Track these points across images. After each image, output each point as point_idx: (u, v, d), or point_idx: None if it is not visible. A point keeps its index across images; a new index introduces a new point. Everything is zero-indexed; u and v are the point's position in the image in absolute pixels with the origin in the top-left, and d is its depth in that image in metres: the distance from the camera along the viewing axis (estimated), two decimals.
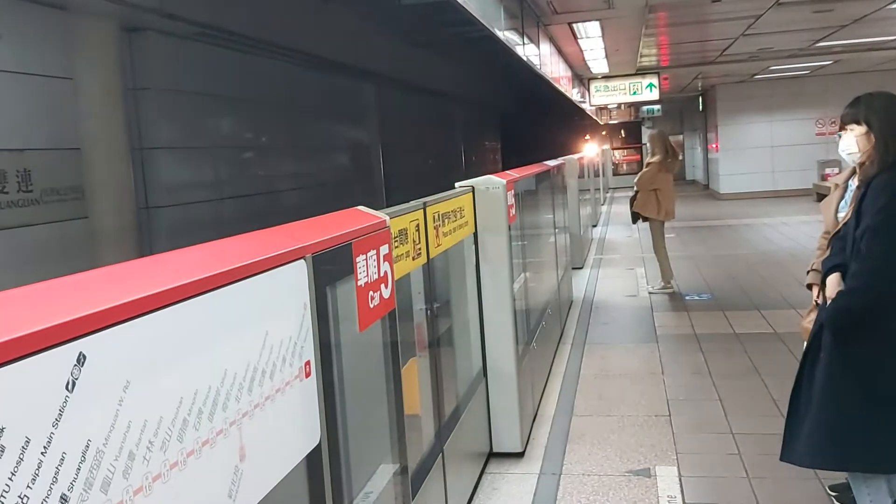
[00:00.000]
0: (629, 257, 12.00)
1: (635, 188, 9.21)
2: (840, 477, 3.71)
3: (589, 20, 10.53)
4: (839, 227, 3.28)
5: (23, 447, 0.92)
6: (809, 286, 3.57)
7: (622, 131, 33.21)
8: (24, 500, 0.92)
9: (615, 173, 30.63)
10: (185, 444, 1.26)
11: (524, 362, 4.82)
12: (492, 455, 4.56)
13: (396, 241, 2.80)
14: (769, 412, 4.86)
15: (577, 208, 11.12)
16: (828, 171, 19.72)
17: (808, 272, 3.63)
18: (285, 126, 8.91)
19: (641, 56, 14.75)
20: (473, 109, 19.87)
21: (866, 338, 3.02)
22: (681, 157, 9.86)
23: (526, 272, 5.46)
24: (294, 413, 1.69)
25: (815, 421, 3.09)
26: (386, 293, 2.40)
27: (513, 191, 4.66)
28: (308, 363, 1.76)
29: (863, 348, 3.04)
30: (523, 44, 8.89)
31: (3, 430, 0.89)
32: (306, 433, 1.76)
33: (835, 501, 3.75)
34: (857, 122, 3.20)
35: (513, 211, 4.62)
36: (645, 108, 26.49)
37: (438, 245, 3.53)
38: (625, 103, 22.42)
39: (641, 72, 16.92)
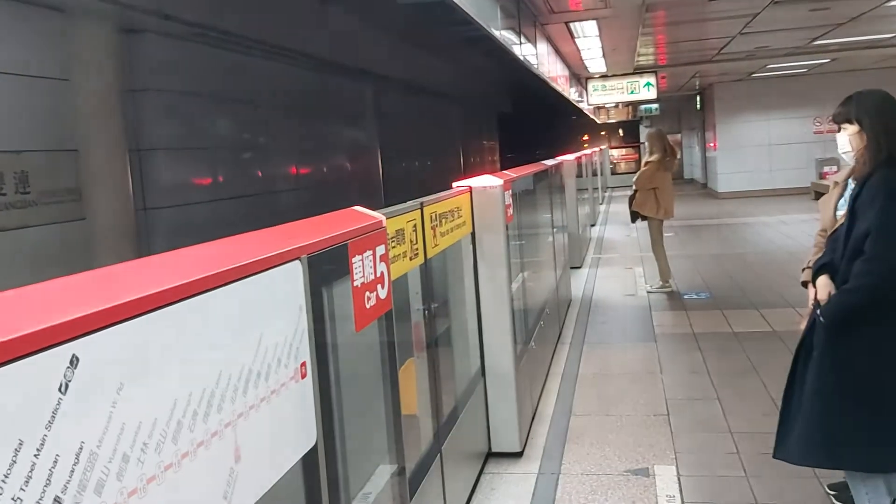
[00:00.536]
0: (627, 256, 12.00)
1: (634, 187, 9.22)
2: (839, 476, 3.71)
3: (586, 19, 10.53)
4: (837, 226, 3.29)
5: (16, 449, 0.92)
6: (804, 284, 3.58)
7: (620, 130, 33.22)
8: (18, 503, 0.92)
9: (613, 172, 30.63)
10: (179, 445, 1.26)
11: (522, 362, 4.81)
12: (490, 455, 4.56)
13: (393, 241, 2.80)
14: (768, 411, 4.86)
15: (575, 207, 11.12)
16: (825, 169, 19.75)
17: (803, 270, 3.64)
18: (284, 126, 8.91)
19: (639, 55, 14.76)
20: (471, 109, 19.86)
21: (856, 335, 3.05)
22: (679, 156, 9.86)
23: (524, 272, 5.46)
24: (290, 414, 1.68)
25: (806, 419, 3.12)
26: (382, 294, 2.40)
27: (510, 190, 4.66)
28: (304, 364, 1.76)
29: (853, 346, 3.06)
30: (520, 43, 8.89)
31: None
32: (302, 434, 1.75)
33: (834, 500, 3.75)
34: (850, 121, 3.21)
35: (510, 210, 4.62)
36: (643, 107, 26.50)
37: (436, 245, 3.53)
38: (622, 102, 22.42)
39: (639, 71, 16.93)
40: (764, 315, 7.52)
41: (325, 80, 9.92)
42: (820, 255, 3.38)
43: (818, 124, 20.78)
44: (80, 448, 1.03)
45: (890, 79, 16.85)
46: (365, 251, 2.24)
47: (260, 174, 8.32)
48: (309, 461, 1.78)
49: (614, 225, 16.54)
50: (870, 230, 2.95)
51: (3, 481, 0.90)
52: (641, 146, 29.16)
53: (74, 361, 1.02)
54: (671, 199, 9.10)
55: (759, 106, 21.41)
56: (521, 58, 9.07)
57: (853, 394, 3.05)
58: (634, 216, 9.28)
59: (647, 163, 9.25)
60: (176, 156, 6.83)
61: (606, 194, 25.00)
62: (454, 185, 4.42)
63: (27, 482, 0.93)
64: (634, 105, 26.31)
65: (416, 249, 3.19)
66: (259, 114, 8.34)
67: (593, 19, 10.49)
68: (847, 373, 3.07)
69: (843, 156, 3.37)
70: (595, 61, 15.07)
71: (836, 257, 3.17)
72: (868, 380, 3.05)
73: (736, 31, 12.34)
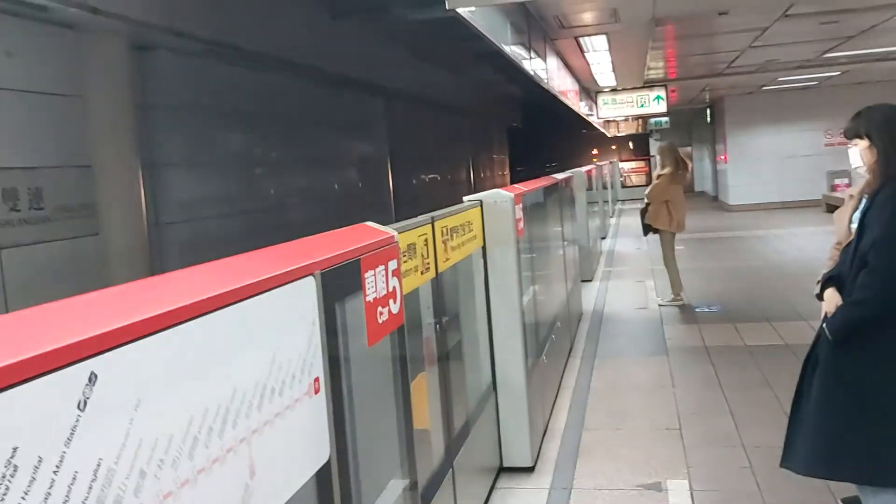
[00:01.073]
0: (638, 270, 11.97)
1: (646, 200, 9.21)
2: (852, 489, 3.67)
3: (596, 34, 10.55)
4: (851, 238, 3.29)
5: (35, 466, 0.93)
6: (819, 296, 3.57)
7: (630, 143, 33.20)
8: None
9: (623, 185, 30.60)
10: (195, 461, 1.27)
11: (534, 376, 4.81)
12: (502, 470, 4.54)
13: (405, 255, 2.81)
14: (781, 425, 4.79)
15: (585, 221, 11.11)
16: (837, 181, 19.67)
17: (817, 283, 3.63)
18: (294, 141, 8.95)
19: (649, 69, 14.76)
20: (481, 124, 19.91)
21: (861, 347, 3.04)
22: (690, 169, 9.84)
23: (535, 285, 5.46)
24: (303, 430, 1.69)
25: (812, 430, 3.13)
26: (395, 308, 2.41)
27: (521, 204, 4.66)
28: (317, 380, 1.76)
29: (859, 359, 3.05)
30: (530, 58, 8.92)
31: (15, 449, 0.90)
32: (316, 450, 1.76)
33: None
34: (860, 136, 3.22)
35: (521, 224, 4.63)
36: (653, 120, 26.49)
37: (447, 259, 3.53)
38: (632, 116, 22.42)
39: (649, 84, 16.93)
40: (776, 328, 7.48)
41: (335, 94, 9.97)
42: (833, 267, 3.38)
43: (829, 137, 20.70)
44: (98, 465, 1.04)
45: None
46: (377, 266, 2.25)
47: (271, 189, 8.36)
48: (322, 476, 1.78)
49: (625, 238, 16.51)
50: (875, 242, 2.95)
51: (22, 498, 0.91)
52: (652, 159, 29.13)
53: (93, 379, 1.04)
54: (683, 212, 9.09)
55: (769, 119, 21.36)
56: (531, 72, 9.09)
57: (858, 407, 3.04)
58: (647, 229, 9.27)
59: (659, 176, 9.25)
60: (188, 171, 6.87)
61: (617, 207, 24.97)
62: (465, 199, 4.43)
63: (46, 499, 0.94)
64: (644, 118, 26.30)
65: (428, 264, 3.20)
66: (271, 128, 8.39)
67: (603, 34, 10.51)
68: (852, 385, 3.06)
69: (857, 171, 3.37)
70: (605, 75, 15.09)
71: (844, 270, 3.17)
72: (873, 392, 3.04)
73: (746, 44, 12.34)
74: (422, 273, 3.11)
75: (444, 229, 3.50)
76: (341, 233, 2.32)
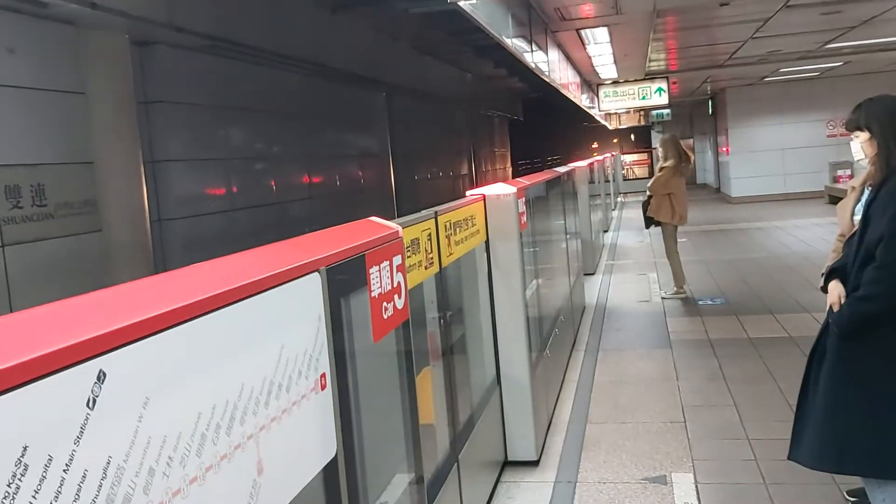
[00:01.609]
0: (641, 262, 11.96)
1: (648, 193, 9.20)
2: (858, 482, 3.67)
3: (597, 26, 10.53)
4: (854, 230, 3.29)
5: (45, 465, 0.93)
6: (823, 289, 3.57)
7: (632, 136, 33.16)
8: None
9: (625, 178, 30.57)
10: (203, 458, 1.27)
11: (538, 370, 4.81)
12: (507, 464, 4.55)
13: (409, 250, 2.80)
14: (785, 417, 4.82)
15: (588, 214, 11.10)
16: (839, 172, 19.64)
17: (822, 275, 3.63)
18: (297, 136, 8.94)
19: (650, 61, 14.73)
20: (483, 117, 19.89)
21: (869, 342, 3.04)
22: (693, 161, 9.81)
23: (538, 279, 5.46)
24: (310, 426, 1.69)
25: (819, 423, 3.13)
26: (399, 303, 2.41)
27: (524, 198, 4.66)
28: (323, 375, 1.76)
29: (865, 353, 3.05)
30: (531, 51, 8.90)
31: (25, 448, 0.90)
32: (323, 446, 1.76)
33: None
34: (860, 129, 3.21)
35: (524, 218, 4.62)
36: (654, 112, 26.44)
37: (450, 254, 3.53)
38: (634, 108, 22.38)
39: (650, 76, 16.90)
40: (779, 320, 7.48)
41: (337, 89, 9.95)
42: (837, 259, 3.38)
43: (831, 128, 20.67)
44: (108, 463, 1.04)
45: None
46: (382, 262, 2.25)
47: (273, 184, 8.35)
48: (329, 472, 1.79)
49: (627, 231, 16.50)
50: (882, 237, 2.94)
51: (33, 497, 0.91)
52: (653, 152, 29.09)
53: (102, 377, 1.04)
54: (686, 204, 9.08)
55: (771, 110, 21.32)
56: (533, 65, 9.07)
57: (866, 400, 3.04)
58: (649, 222, 9.26)
59: (661, 168, 9.23)
60: (189, 167, 6.87)
61: (619, 200, 24.95)
62: (468, 193, 4.43)
63: (56, 497, 0.94)
64: (646, 111, 26.26)
65: (432, 258, 3.20)
66: (272, 124, 8.38)
67: (604, 26, 10.49)
68: (859, 379, 3.07)
69: (859, 163, 3.37)
70: (606, 67, 15.06)
71: (848, 262, 3.17)
72: (881, 385, 3.04)
73: (748, 35, 12.31)
74: (426, 268, 3.11)
75: (448, 224, 3.50)
76: (345, 228, 2.32)
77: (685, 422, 5.03)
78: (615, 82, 17.26)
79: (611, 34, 11.18)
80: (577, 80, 15.70)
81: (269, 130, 8.34)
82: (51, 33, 5.38)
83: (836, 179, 19.53)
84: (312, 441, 1.71)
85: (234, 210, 7.43)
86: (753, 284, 9.46)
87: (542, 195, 6.06)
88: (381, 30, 10.46)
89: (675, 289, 9.04)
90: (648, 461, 4.46)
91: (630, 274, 11.05)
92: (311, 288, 1.75)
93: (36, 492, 0.91)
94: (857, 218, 3.39)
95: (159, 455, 1.15)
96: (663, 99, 17.19)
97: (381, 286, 2.23)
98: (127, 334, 1.10)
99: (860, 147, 3.25)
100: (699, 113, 28.33)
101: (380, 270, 2.23)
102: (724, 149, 23.05)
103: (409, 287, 2.57)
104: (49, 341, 0.98)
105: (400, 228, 2.52)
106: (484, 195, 4.38)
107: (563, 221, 7.51)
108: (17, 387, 0.90)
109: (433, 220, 3.26)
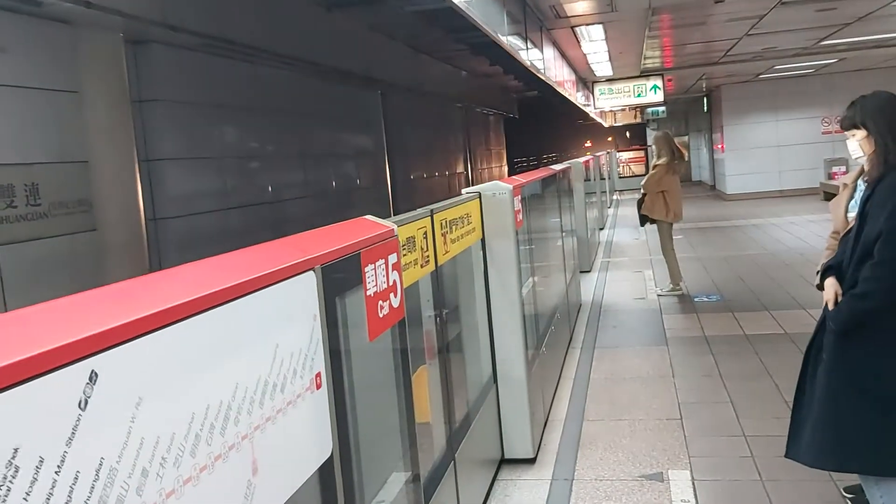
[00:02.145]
0: (637, 260, 11.97)
1: (642, 191, 9.20)
2: (855, 479, 3.68)
3: (592, 24, 10.53)
4: (849, 227, 3.28)
5: (36, 467, 0.92)
6: (819, 286, 3.57)
7: (627, 133, 33.19)
8: None
9: (620, 176, 30.60)
10: (197, 459, 1.26)
11: (534, 367, 4.81)
12: (503, 461, 4.55)
13: (404, 249, 2.80)
14: (781, 414, 4.83)
15: (583, 212, 11.11)
16: (834, 169, 19.68)
17: (817, 272, 3.63)
18: (291, 135, 8.93)
19: (645, 58, 14.74)
20: (478, 115, 19.88)
21: (867, 339, 3.03)
22: (687, 158, 9.84)
23: (534, 276, 5.46)
24: (306, 425, 1.68)
25: (817, 421, 3.12)
26: (395, 302, 2.40)
27: (519, 196, 4.65)
28: (318, 375, 1.76)
29: (863, 349, 3.05)
30: (527, 48, 8.89)
31: (16, 450, 0.89)
32: (318, 445, 1.75)
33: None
34: (856, 126, 3.21)
35: (520, 216, 4.62)
36: (650, 109, 26.47)
37: (446, 252, 3.52)
38: (629, 106, 22.39)
39: (645, 74, 16.91)
40: (775, 317, 7.49)
41: (331, 87, 9.93)
42: (833, 256, 3.37)
43: (826, 125, 20.69)
44: (100, 464, 1.03)
45: None
46: (377, 260, 2.24)
47: (268, 183, 8.33)
48: (325, 471, 1.78)
49: (623, 228, 16.51)
50: (880, 234, 2.93)
51: (24, 499, 0.90)
52: (649, 149, 29.11)
53: (93, 377, 1.03)
54: (680, 201, 9.08)
55: (766, 107, 21.35)
56: (528, 63, 9.07)
57: (864, 397, 3.04)
58: (643, 220, 9.26)
59: (655, 166, 9.23)
60: (184, 165, 6.85)
61: (615, 198, 24.96)
62: (463, 191, 4.42)
63: (48, 499, 0.93)
64: (641, 108, 26.27)
65: (427, 257, 3.19)
66: (267, 122, 8.36)
67: (599, 23, 10.49)
68: (857, 376, 3.06)
69: (857, 160, 3.36)
70: (601, 65, 15.07)
71: (844, 259, 3.16)
72: (878, 382, 3.04)
73: (743, 32, 12.32)
74: (421, 266, 3.10)
75: (444, 222, 3.49)
76: (341, 227, 2.31)
77: (682, 419, 5.03)
78: (610, 80, 17.28)
79: (606, 32, 11.18)
80: (573, 77, 15.69)
81: (264, 129, 8.32)
82: (45, 32, 5.35)
83: (831, 176, 19.57)
84: (308, 441, 1.70)
85: (229, 209, 7.41)
86: (749, 281, 9.47)
87: (538, 193, 6.06)
88: (377, 28, 10.45)
89: (671, 286, 9.04)
90: (645, 458, 4.46)
91: (626, 271, 11.06)
92: (306, 287, 1.75)
93: (27, 494, 0.90)
94: (852, 215, 3.39)
95: (152, 456, 1.14)
96: (658, 96, 17.21)
97: (376, 285, 2.22)
98: (119, 334, 1.09)
99: (858, 145, 3.25)
100: (694, 110, 28.37)
101: (375, 269, 2.22)
102: (720, 146, 23.08)
103: (404, 285, 2.56)
104: (40, 341, 0.97)
105: (395, 227, 2.51)
106: (480, 193, 4.37)
107: (558, 219, 7.51)
108: (8, 388, 0.89)
109: (429, 218, 3.26)
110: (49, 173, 5.32)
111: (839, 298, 3.12)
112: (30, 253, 5.10)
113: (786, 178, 21.31)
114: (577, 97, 16.61)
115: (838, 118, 3.57)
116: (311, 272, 1.76)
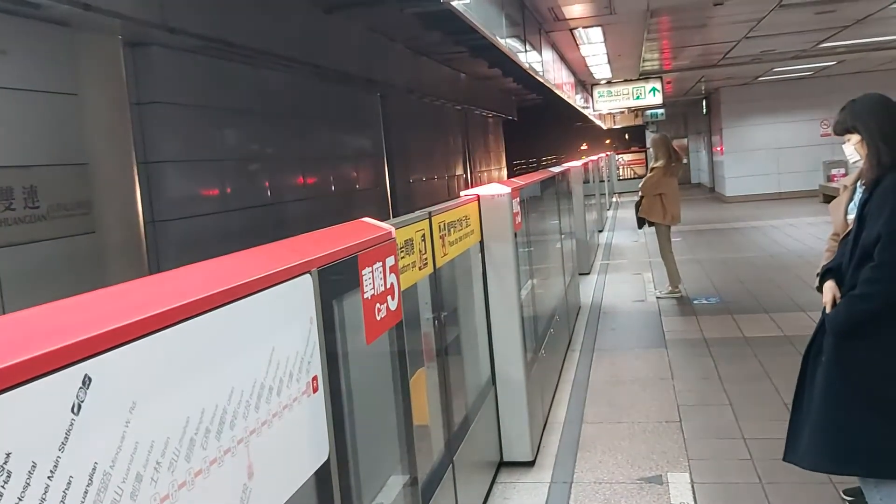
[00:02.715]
0: (636, 262, 11.97)
1: (640, 193, 9.20)
2: (854, 481, 3.67)
3: (591, 26, 10.52)
4: (849, 230, 3.28)
5: (29, 472, 0.91)
6: (819, 289, 3.56)
7: (626, 136, 33.18)
8: None
9: (619, 178, 30.59)
10: (192, 463, 1.25)
11: (533, 370, 4.80)
12: (502, 464, 4.54)
13: (402, 251, 2.79)
14: (780, 416, 4.81)
15: (582, 214, 11.10)
16: (833, 171, 19.67)
17: (817, 275, 3.62)
18: (290, 137, 8.92)
19: (644, 61, 14.74)
20: (477, 117, 19.88)
21: (867, 341, 3.03)
22: (685, 161, 9.85)
23: (533, 279, 5.45)
24: (302, 429, 1.67)
25: (816, 424, 3.11)
26: (393, 305, 2.39)
27: (518, 198, 4.65)
28: (315, 378, 1.75)
29: (862, 352, 3.04)
30: (525, 51, 8.89)
31: (9, 455, 0.88)
32: (315, 449, 1.74)
33: None
34: (849, 131, 3.21)
35: (518, 218, 4.61)
36: (649, 112, 26.46)
37: (445, 254, 3.52)
38: (628, 108, 22.39)
39: (644, 76, 16.90)
40: (775, 319, 7.48)
41: (331, 89, 9.93)
42: (832, 259, 3.37)
43: (825, 127, 20.67)
44: (94, 469, 1.02)
45: None
46: (375, 263, 2.23)
47: (267, 186, 8.32)
48: (322, 475, 1.77)
49: (622, 231, 16.50)
50: (879, 236, 2.93)
51: None
52: (647, 151, 29.11)
53: (87, 381, 1.02)
54: (678, 204, 9.08)
55: (765, 109, 21.35)
56: (527, 65, 9.06)
57: (863, 399, 3.03)
58: (641, 222, 9.26)
59: (652, 168, 9.23)
60: (183, 168, 6.84)
61: (614, 200, 24.95)
62: (462, 193, 4.42)
63: None
64: (640, 110, 26.27)
65: (426, 259, 3.19)
66: (266, 124, 8.35)
67: (598, 26, 10.48)
68: (856, 378, 3.05)
69: (855, 164, 3.36)
70: (600, 67, 15.05)
71: (843, 262, 3.16)
72: (877, 385, 3.03)
73: (741, 35, 12.32)
74: (420, 268, 3.10)
75: (442, 224, 3.49)
76: (338, 229, 2.30)
77: (681, 421, 5.03)
78: (609, 82, 17.26)
79: (605, 34, 11.17)
80: (572, 80, 15.69)
81: (263, 131, 8.31)
82: (43, 34, 5.35)
83: (830, 178, 19.57)
84: (304, 444, 1.69)
85: (228, 211, 7.40)
86: (748, 283, 9.47)
87: (537, 195, 6.05)
88: (376, 30, 10.45)
89: (670, 288, 9.04)
90: (644, 461, 4.45)
91: (625, 274, 11.05)
92: (303, 289, 1.74)
93: (20, 499, 0.89)
94: (851, 217, 3.38)
95: (147, 460, 1.14)
96: (657, 99, 17.19)
97: (374, 287, 2.22)
98: (114, 338, 1.08)
99: (854, 149, 3.24)
100: (693, 112, 28.36)
101: (373, 272, 2.21)
102: (719, 148, 23.08)
103: (402, 288, 2.56)
104: (33, 345, 0.96)
105: (393, 229, 2.50)
106: (478, 195, 4.37)
107: (557, 221, 7.50)
108: (1, 392, 0.89)
109: (427, 220, 3.25)
110: (48, 176, 5.31)
111: (838, 301, 3.11)
112: (28, 256, 5.09)
113: (785, 181, 21.30)
114: (576, 99, 16.60)
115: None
116: (308, 275, 1.75)
